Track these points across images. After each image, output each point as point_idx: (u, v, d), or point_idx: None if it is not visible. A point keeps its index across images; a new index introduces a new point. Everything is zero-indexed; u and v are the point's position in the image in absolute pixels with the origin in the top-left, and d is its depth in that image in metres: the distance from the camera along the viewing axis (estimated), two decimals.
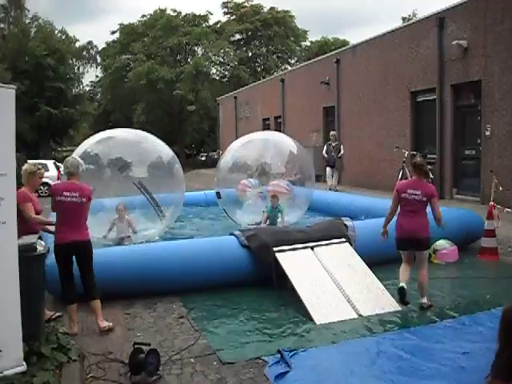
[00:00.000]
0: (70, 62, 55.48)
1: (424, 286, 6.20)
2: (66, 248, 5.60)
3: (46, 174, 25.98)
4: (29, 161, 10.06)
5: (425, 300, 6.15)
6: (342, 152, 17.75)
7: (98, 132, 10.90)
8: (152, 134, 10.74)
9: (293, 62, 53.60)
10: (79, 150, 9.97)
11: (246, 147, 12.03)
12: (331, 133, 18.52)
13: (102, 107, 58.80)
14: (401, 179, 16.26)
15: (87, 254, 5.78)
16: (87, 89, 64.72)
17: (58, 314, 6.29)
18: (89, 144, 9.96)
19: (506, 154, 12.95)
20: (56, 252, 5.68)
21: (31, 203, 5.92)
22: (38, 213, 6.10)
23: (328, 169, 18.19)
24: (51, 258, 6.36)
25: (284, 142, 12.28)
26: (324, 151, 18.23)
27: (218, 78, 51.57)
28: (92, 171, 9.61)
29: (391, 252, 6.74)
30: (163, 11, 49.99)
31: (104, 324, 5.67)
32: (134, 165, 9.90)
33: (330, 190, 17.24)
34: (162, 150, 10.23)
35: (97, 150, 9.79)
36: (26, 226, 5.58)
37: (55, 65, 47.33)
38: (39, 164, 6.62)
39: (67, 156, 6.54)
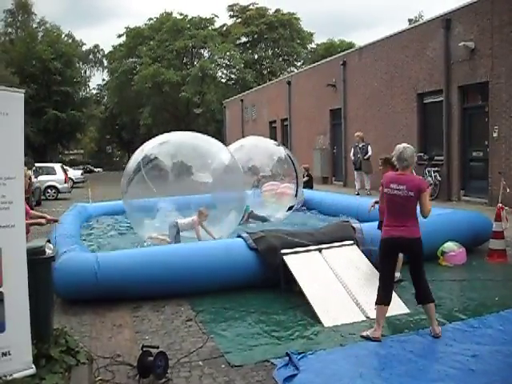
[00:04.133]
0: (77, 65, 55.85)
1: None
2: (391, 242, 5.39)
3: (53, 177, 26.06)
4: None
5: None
6: (369, 153, 16.96)
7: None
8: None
9: (299, 64, 53.61)
10: (138, 155, 10.01)
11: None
12: (356, 134, 17.96)
13: (108, 110, 59.04)
14: None
15: (413, 252, 5.45)
16: (94, 92, 65.15)
17: None
18: (149, 148, 10.04)
19: None
20: (380, 246, 5.52)
21: None
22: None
23: (355, 172, 17.68)
24: (60, 262, 6.41)
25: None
26: (351, 153, 17.74)
27: (224, 80, 51.64)
28: (154, 174, 9.69)
29: None
30: (169, 14, 50.15)
31: (438, 330, 5.29)
32: (197, 168, 9.94)
33: (358, 194, 16.61)
34: (222, 152, 10.28)
35: (158, 153, 9.88)
36: None
37: (62, 68, 47.63)
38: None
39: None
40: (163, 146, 10.12)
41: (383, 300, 5.37)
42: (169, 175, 9.75)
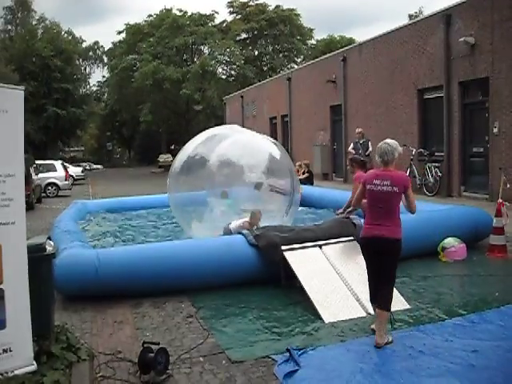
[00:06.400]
0: (77, 62, 55.87)
1: None
2: (371, 242, 5.17)
3: (53, 174, 26.02)
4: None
5: None
6: (370, 149, 16.53)
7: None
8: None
9: (299, 60, 53.54)
10: (182, 155, 9.82)
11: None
12: (357, 130, 17.61)
13: (108, 107, 59.04)
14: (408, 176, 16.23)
15: (390, 254, 5.13)
16: (94, 89, 65.23)
17: None
18: (193, 146, 9.89)
19: None
20: (360, 245, 5.41)
21: None
22: None
23: None
24: (60, 258, 6.42)
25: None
26: (350, 148, 17.66)
27: (224, 77, 51.56)
28: (199, 172, 9.57)
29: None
30: (169, 11, 49.99)
31: (381, 341, 4.96)
32: (248, 167, 9.72)
33: None
34: (273, 149, 10.16)
35: (203, 152, 9.67)
36: None
37: (62, 66, 47.63)
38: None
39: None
40: (211, 144, 9.85)
41: (371, 299, 5.40)
42: (216, 176, 9.57)
